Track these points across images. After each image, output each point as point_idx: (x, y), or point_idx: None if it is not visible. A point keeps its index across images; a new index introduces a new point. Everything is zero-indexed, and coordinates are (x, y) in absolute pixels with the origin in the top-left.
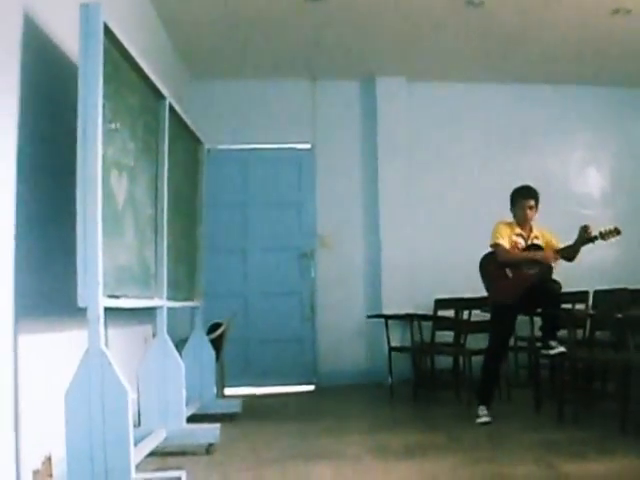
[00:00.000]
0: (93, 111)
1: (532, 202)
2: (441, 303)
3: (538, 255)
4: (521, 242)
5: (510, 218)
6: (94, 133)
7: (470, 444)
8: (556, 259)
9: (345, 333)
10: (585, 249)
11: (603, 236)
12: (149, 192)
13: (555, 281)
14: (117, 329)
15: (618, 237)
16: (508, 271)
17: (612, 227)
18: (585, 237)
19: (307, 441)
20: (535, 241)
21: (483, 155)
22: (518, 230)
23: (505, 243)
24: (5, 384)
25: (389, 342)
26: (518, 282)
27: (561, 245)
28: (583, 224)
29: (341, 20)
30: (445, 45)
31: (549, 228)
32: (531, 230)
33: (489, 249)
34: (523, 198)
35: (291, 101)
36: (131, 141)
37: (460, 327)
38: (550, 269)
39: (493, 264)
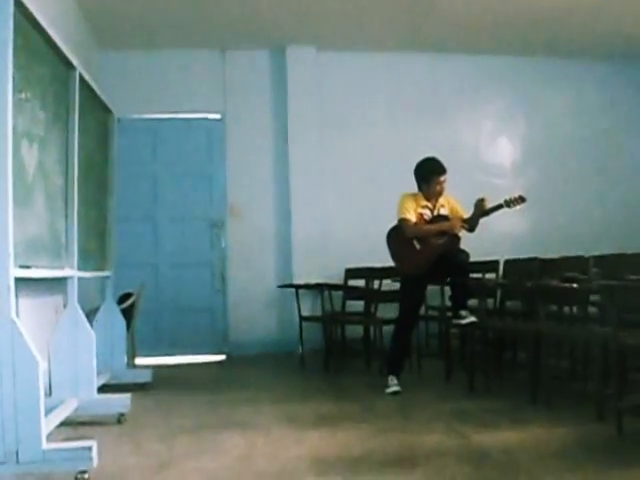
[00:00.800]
0: (3, 81)
1: (445, 177)
2: (351, 273)
3: (445, 226)
4: (427, 213)
5: (415, 189)
6: (4, 103)
7: (381, 414)
8: (462, 227)
9: (256, 303)
10: (495, 219)
11: (508, 204)
12: (60, 162)
13: (463, 250)
14: (28, 299)
15: (523, 205)
16: (416, 243)
17: (517, 195)
18: (482, 209)
19: (218, 411)
20: (441, 210)
21: (394, 125)
22: (424, 202)
23: (411, 217)
24: None
25: (300, 312)
26: (426, 253)
27: (465, 215)
28: (479, 197)
29: None
30: (356, 14)
31: (454, 196)
32: (437, 200)
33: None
34: (437, 174)
35: (201, 71)
36: (41, 111)
37: (370, 297)
38: (458, 238)
39: (400, 237)
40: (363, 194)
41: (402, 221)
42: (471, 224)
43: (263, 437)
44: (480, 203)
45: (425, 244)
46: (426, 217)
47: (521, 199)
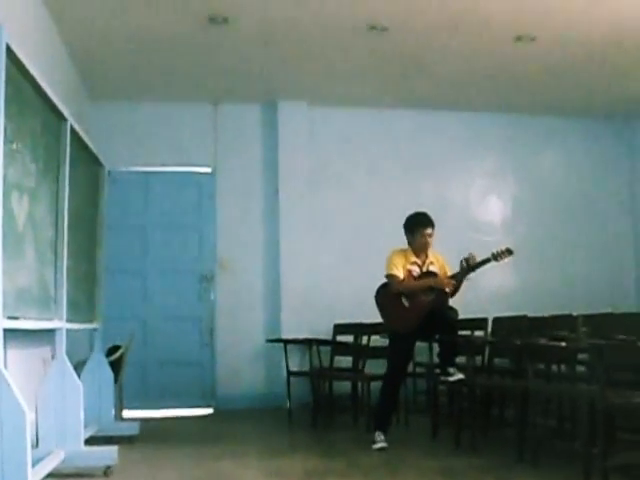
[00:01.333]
0: None
1: (431, 230)
2: (340, 328)
3: (431, 282)
4: (416, 270)
5: (405, 245)
6: None
7: (367, 470)
8: (449, 284)
9: (244, 357)
10: (484, 276)
11: (495, 257)
12: (50, 214)
13: (451, 308)
14: (16, 350)
15: (510, 258)
16: (404, 300)
17: (504, 248)
18: (466, 268)
19: (205, 465)
20: (431, 267)
21: (385, 179)
22: (413, 258)
23: (399, 273)
24: None
25: (288, 366)
26: (415, 310)
27: (449, 273)
28: (464, 256)
29: (242, 44)
30: (347, 70)
31: (442, 253)
32: (426, 256)
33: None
34: (423, 227)
35: (193, 124)
36: (32, 162)
37: (359, 352)
38: (446, 295)
39: (389, 294)
40: (353, 249)
41: (389, 277)
42: (457, 280)
43: None
44: (466, 261)
45: (414, 301)
46: (415, 273)
47: (508, 251)
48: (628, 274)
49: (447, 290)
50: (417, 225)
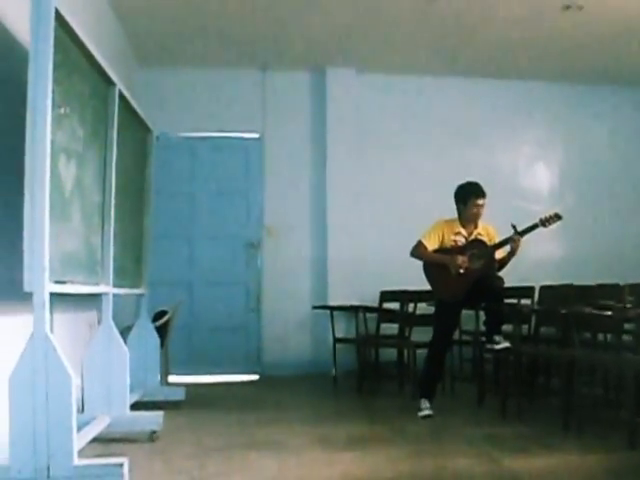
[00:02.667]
0: (43, 95)
1: (482, 200)
2: (386, 295)
3: (447, 259)
4: (462, 240)
5: (453, 215)
6: (43, 117)
7: (413, 437)
8: (462, 265)
9: (290, 324)
10: (532, 244)
11: (544, 223)
12: (97, 179)
13: (498, 277)
14: (63, 314)
15: (559, 223)
16: (451, 268)
17: (552, 213)
18: (515, 233)
19: (251, 431)
20: (479, 237)
21: (433, 148)
22: (458, 229)
23: (428, 243)
24: None
25: (334, 333)
26: (462, 279)
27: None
28: (512, 224)
29: (292, 9)
30: (396, 37)
31: (493, 226)
32: (475, 227)
33: None
34: (475, 197)
35: (241, 90)
36: (80, 127)
37: (405, 320)
38: (494, 263)
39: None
40: (399, 217)
41: (417, 243)
42: (506, 261)
43: (294, 458)
44: (514, 228)
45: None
46: (460, 244)
47: (557, 217)
48: None
49: (498, 258)
50: (469, 195)
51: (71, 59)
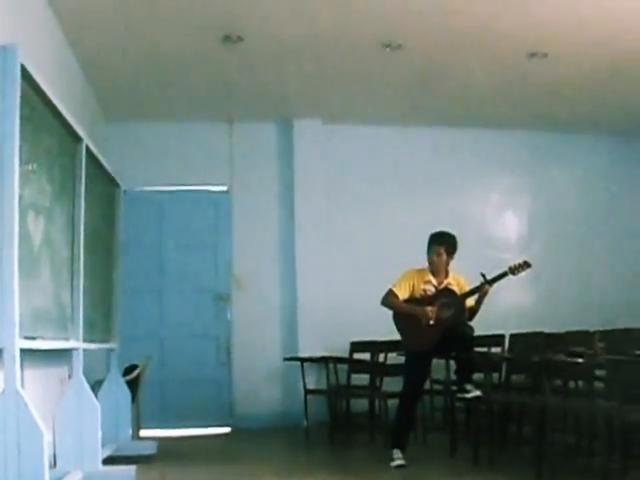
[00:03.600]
0: (10, 152)
1: (441, 249)
2: (357, 346)
3: (417, 311)
4: (431, 289)
5: (424, 264)
6: (11, 174)
7: None
8: (431, 316)
9: (261, 375)
10: (501, 292)
11: (513, 271)
12: (66, 234)
13: (468, 325)
14: (33, 370)
15: (528, 270)
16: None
17: (521, 261)
18: (484, 282)
19: None
20: (449, 287)
21: (402, 197)
22: (429, 277)
23: (399, 292)
24: None
25: (305, 385)
26: (432, 328)
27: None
28: (481, 272)
29: (257, 62)
30: (362, 87)
31: (464, 277)
32: (446, 276)
33: None
34: (432, 244)
35: (208, 143)
36: (48, 183)
37: (376, 370)
38: (464, 312)
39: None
40: (369, 266)
41: (388, 292)
42: (476, 309)
43: None
44: (483, 276)
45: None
46: (429, 293)
47: (526, 264)
48: None
49: (468, 306)
50: (430, 242)
51: (38, 115)
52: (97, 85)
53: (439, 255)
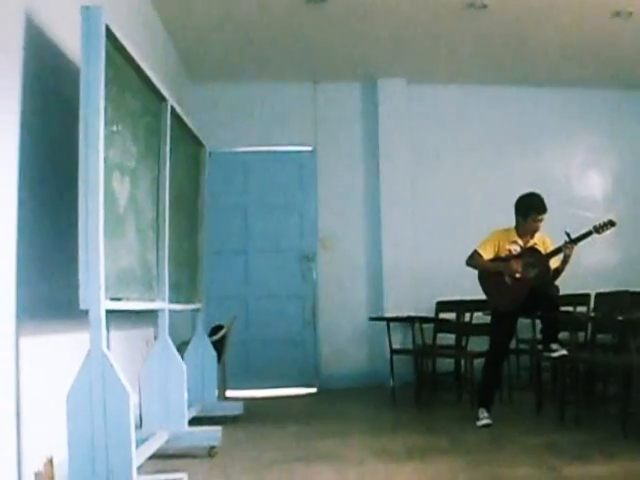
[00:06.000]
0: (95, 113)
1: (544, 216)
2: (443, 306)
3: (500, 266)
4: (517, 249)
5: (510, 223)
6: (96, 135)
7: (471, 447)
8: (517, 270)
9: (347, 336)
10: (586, 252)
11: (597, 230)
12: (151, 194)
13: (553, 285)
14: (119, 331)
15: (613, 229)
16: (507, 277)
17: (606, 220)
18: (569, 241)
19: (309, 444)
20: (534, 246)
21: (485, 157)
22: (515, 238)
23: (484, 253)
24: (7, 386)
25: (391, 345)
26: (517, 288)
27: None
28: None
29: (342, 22)
30: (446, 47)
31: (548, 235)
32: (532, 237)
33: None
34: (536, 212)
35: (292, 103)
36: (133, 144)
37: (461, 330)
38: (548, 272)
39: (493, 272)
40: (453, 226)
41: (473, 252)
42: (561, 269)
43: (354, 470)
44: (568, 236)
45: (517, 279)
46: (515, 252)
47: (611, 223)
48: None
49: (553, 266)
50: (529, 210)
51: (123, 76)
52: (181, 46)
53: (541, 221)
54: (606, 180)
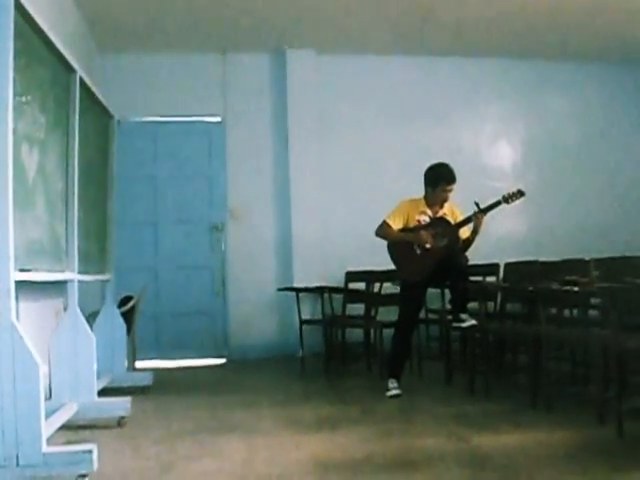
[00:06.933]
0: (4, 84)
1: (453, 186)
2: (352, 276)
3: (410, 236)
4: (426, 220)
5: (420, 193)
6: (5, 106)
7: (382, 417)
8: (427, 240)
9: (256, 306)
10: (496, 221)
11: (506, 199)
12: (60, 166)
13: (462, 255)
14: (28, 302)
15: (522, 199)
16: (416, 248)
17: (515, 190)
18: (478, 210)
19: (219, 414)
20: (444, 216)
21: (393, 128)
22: (424, 208)
23: (392, 223)
24: None
25: (300, 315)
26: (426, 257)
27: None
28: (475, 201)
29: None
30: (355, 18)
31: (457, 205)
32: (441, 207)
33: None
34: (446, 182)
35: (201, 74)
36: (42, 114)
37: (371, 300)
38: (458, 242)
39: (401, 242)
40: (363, 197)
41: (382, 223)
42: (471, 239)
43: (263, 440)
44: (477, 205)
45: (426, 249)
46: (424, 222)
47: (520, 193)
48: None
49: (463, 237)
50: (439, 179)
51: (31, 47)
52: (90, 16)
53: (450, 191)
54: (515, 150)
